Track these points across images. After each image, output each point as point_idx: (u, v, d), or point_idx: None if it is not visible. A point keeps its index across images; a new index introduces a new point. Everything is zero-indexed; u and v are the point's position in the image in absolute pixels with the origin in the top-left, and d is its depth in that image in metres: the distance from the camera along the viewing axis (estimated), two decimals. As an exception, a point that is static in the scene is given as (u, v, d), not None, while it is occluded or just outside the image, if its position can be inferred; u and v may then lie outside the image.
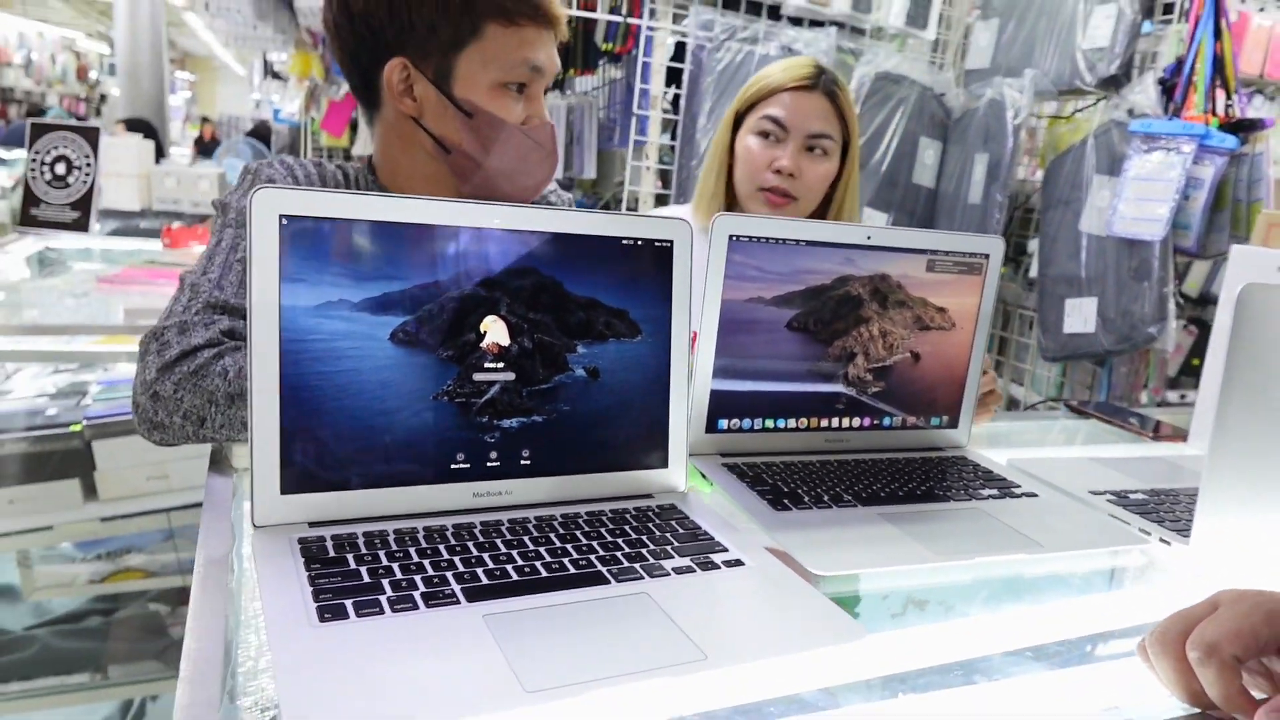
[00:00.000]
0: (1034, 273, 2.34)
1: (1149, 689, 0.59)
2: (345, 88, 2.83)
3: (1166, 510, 0.92)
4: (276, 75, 3.68)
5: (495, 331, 0.72)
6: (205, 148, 7.22)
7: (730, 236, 0.89)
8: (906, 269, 0.98)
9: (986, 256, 1.02)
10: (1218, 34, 1.97)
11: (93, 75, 13.32)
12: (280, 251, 0.64)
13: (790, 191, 1.40)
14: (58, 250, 2.28)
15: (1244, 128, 1.93)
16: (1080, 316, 2.13)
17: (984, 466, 1.00)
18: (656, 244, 0.79)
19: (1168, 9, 2.17)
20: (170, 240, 2.33)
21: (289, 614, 0.53)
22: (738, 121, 1.45)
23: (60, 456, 1.45)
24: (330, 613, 0.54)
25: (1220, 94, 2.00)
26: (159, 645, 1.53)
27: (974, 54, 2.62)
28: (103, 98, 12.92)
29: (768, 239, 0.90)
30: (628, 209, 2.39)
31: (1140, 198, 1.94)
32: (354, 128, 3.22)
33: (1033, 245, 2.38)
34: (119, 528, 1.50)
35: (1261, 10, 2.90)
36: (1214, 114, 1.97)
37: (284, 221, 0.64)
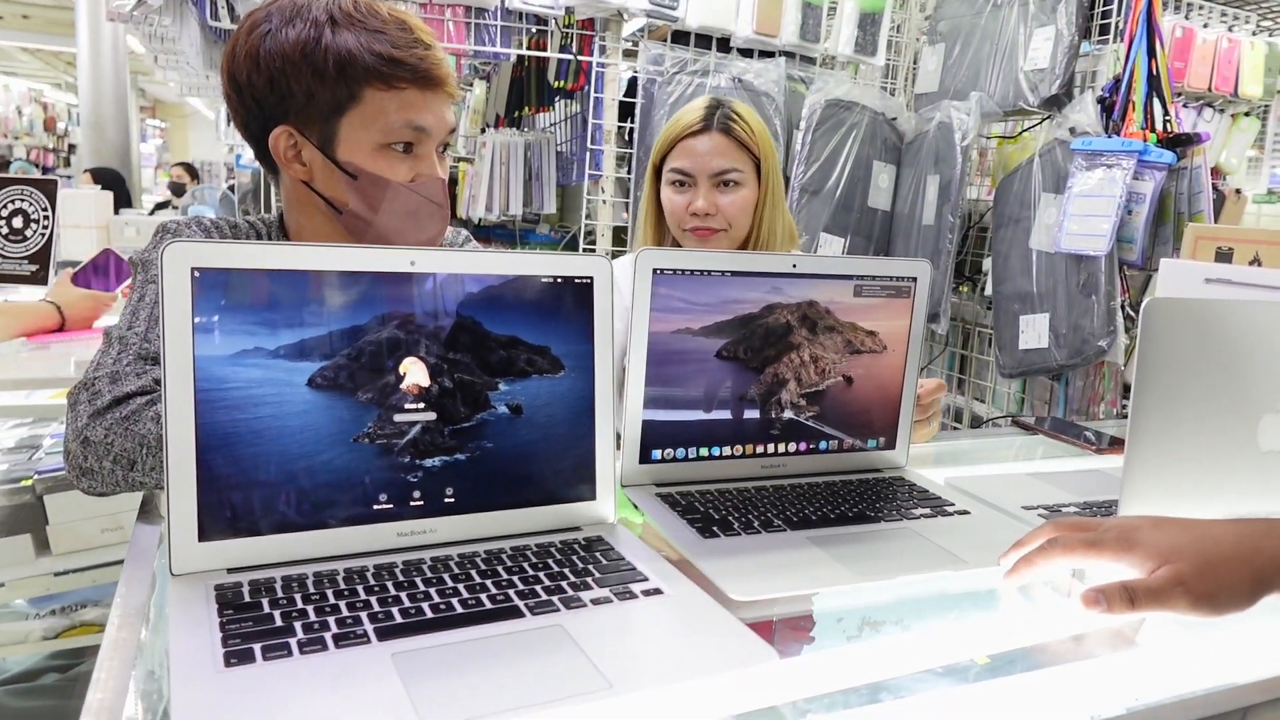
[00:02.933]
0: (989, 290, 2.38)
1: (1049, 701, 0.60)
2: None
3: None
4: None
5: (415, 373, 0.73)
6: (178, 189, 7.21)
7: (654, 270, 0.90)
8: (834, 295, 1.00)
9: (914, 280, 1.04)
10: (1152, 52, 2.03)
11: (61, 126, 13.32)
12: (193, 303, 0.65)
13: (711, 227, 1.46)
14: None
15: (1181, 142, 1.98)
16: (1034, 332, 2.16)
17: (920, 486, 1.01)
18: (576, 281, 0.80)
19: (1104, 29, 2.23)
20: (127, 293, 2.33)
21: (195, 660, 0.54)
22: (658, 173, 1.53)
23: (11, 511, 1.44)
24: (237, 657, 0.54)
25: (1158, 110, 2.05)
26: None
27: (923, 78, 2.68)
28: (71, 148, 12.90)
29: (692, 271, 0.92)
30: (585, 243, 2.42)
31: (1084, 214, 1.98)
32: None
33: (988, 264, 2.42)
34: (73, 582, 1.49)
35: (1206, 26, 2.98)
36: (1152, 130, 2.02)
37: (196, 274, 0.65)
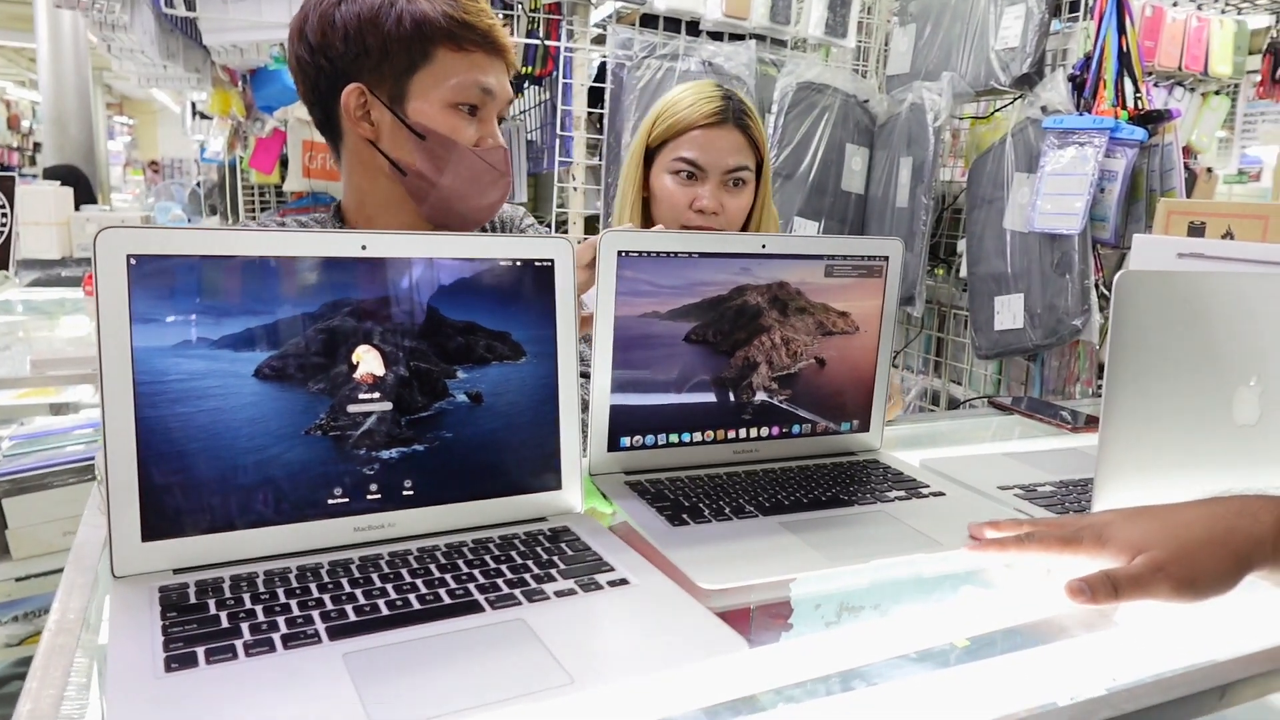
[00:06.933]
0: (964, 272, 2.37)
1: (1028, 683, 0.59)
2: (270, 124, 2.80)
3: (1072, 500, 0.93)
4: (204, 115, 3.64)
5: (369, 362, 0.71)
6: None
7: (619, 252, 0.88)
8: (805, 275, 0.98)
9: (885, 259, 1.03)
10: (1122, 29, 2.02)
11: (25, 124, 13.07)
12: (129, 292, 0.62)
13: (714, 227, 1.39)
14: (-24, 303, 2.22)
15: (1152, 119, 1.97)
16: (1009, 313, 2.16)
17: (894, 469, 1.00)
18: (537, 264, 0.78)
19: (1074, 7, 2.22)
20: (92, 289, 2.28)
21: (133, 665, 0.51)
22: (649, 155, 1.43)
23: (-33, 516, 1.40)
24: (178, 661, 0.52)
25: (1129, 87, 2.05)
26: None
27: (894, 59, 2.66)
28: (37, 146, 12.67)
29: (659, 253, 0.90)
30: (558, 231, 2.39)
31: (1057, 192, 1.98)
32: (284, 164, 3.19)
33: (962, 245, 2.41)
34: (35, 587, 1.44)
35: (1175, 5, 2.99)
36: (1123, 107, 2.01)
37: (132, 262, 0.62)
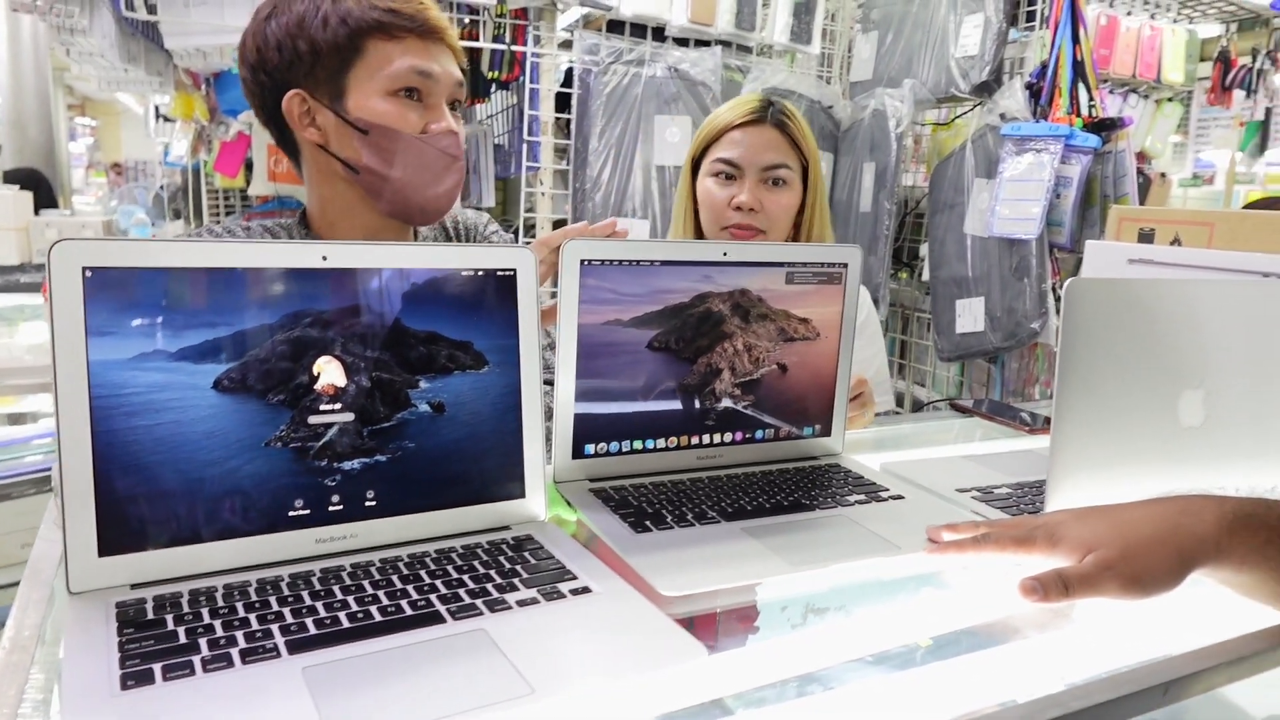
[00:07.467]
0: (926, 276, 2.41)
1: (982, 684, 0.60)
2: (235, 128, 2.77)
3: (1028, 502, 0.95)
4: (167, 118, 3.59)
5: (330, 372, 0.71)
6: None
7: (582, 261, 0.89)
8: (766, 283, 0.99)
9: (845, 265, 1.04)
10: (1076, 38, 2.06)
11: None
12: (85, 305, 0.62)
13: (755, 225, 1.39)
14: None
15: (1106, 127, 2.02)
16: (970, 316, 2.19)
17: (855, 472, 1.01)
18: (499, 273, 0.78)
19: (1030, 16, 2.26)
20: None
21: (88, 683, 0.51)
22: (695, 166, 1.45)
23: (-80, 529, 1.38)
24: (134, 679, 0.51)
25: (1083, 95, 2.09)
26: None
27: (857, 66, 2.70)
28: (-3, 148, 12.39)
29: (621, 261, 0.91)
30: (526, 236, 2.39)
31: (1015, 198, 2.01)
32: (249, 168, 3.15)
33: (925, 249, 2.45)
34: (-9, 600, 1.42)
35: (1129, 14, 3.05)
36: (1078, 115, 2.05)
37: (88, 274, 0.62)
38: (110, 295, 0.63)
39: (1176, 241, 1.14)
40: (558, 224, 2.42)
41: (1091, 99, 2.07)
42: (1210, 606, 0.70)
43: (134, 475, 0.63)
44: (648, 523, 0.82)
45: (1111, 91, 3.05)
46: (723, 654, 0.62)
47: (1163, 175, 2.97)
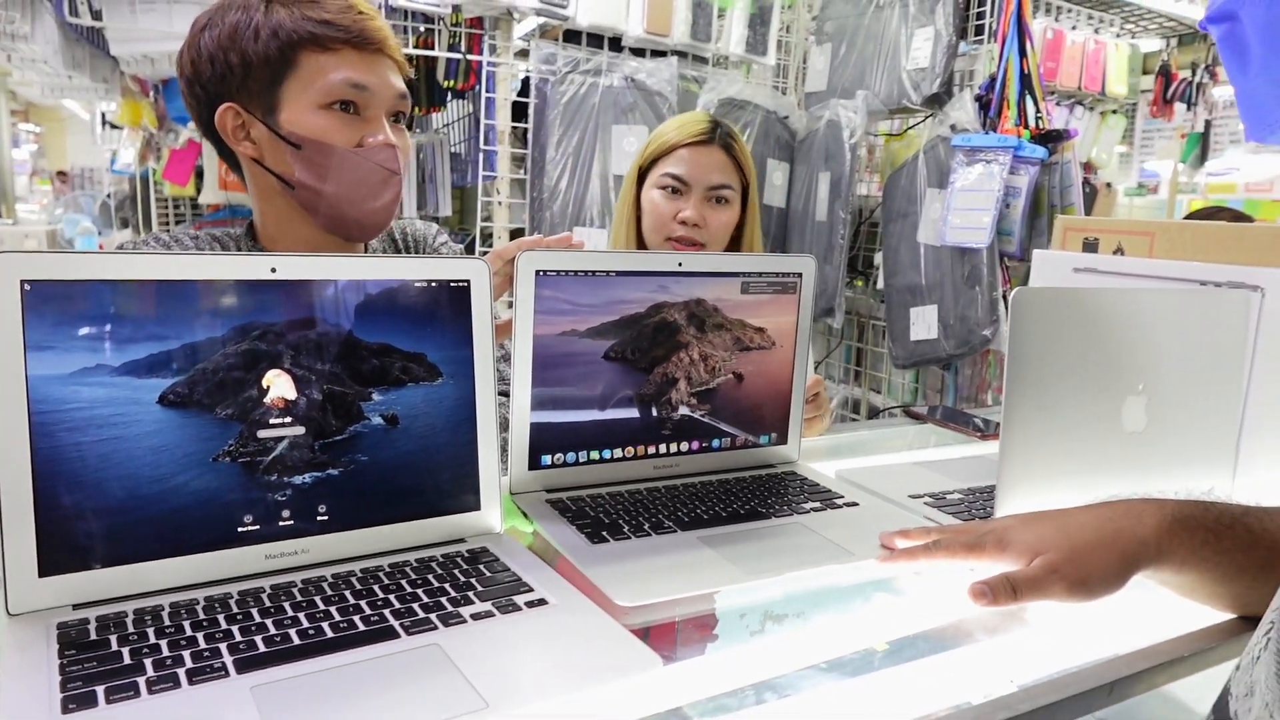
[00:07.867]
0: (881, 284, 2.44)
1: (937, 688, 0.61)
2: (185, 135, 2.72)
3: (979, 507, 0.96)
4: (114, 125, 3.51)
5: (279, 386, 0.70)
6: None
7: (537, 272, 0.88)
8: (721, 292, 1.00)
9: (799, 275, 1.05)
10: (1023, 52, 2.11)
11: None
12: (23, 319, 0.60)
13: (696, 239, 1.46)
14: None
15: (1052, 138, 2.07)
16: (924, 324, 2.23)
17: (811, 480, 1.02)
18: (452, 284, 0.78)
19: (979, 30, 2.31)
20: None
21: (27, 708, 0.49)
22: (641, 176, 1.51)
23: None
24: (75, 702, 0.50)
25: (1030, 107, 2.14)
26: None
27: (812, 77, 2.73)
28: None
29: (576, 271, 0.91)
30: (483, 246, 2.38)
31: (966, 207, 2.05)
32: (199, 176, 3.10)
33: (879, 258, 2.48)
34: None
35: (1074, 28, 3.13)
36: (1026, 126, 2.10)
37: (26, 287, 0.60)
38: (50, 308, 0.61)
39: (1119, 251, 1.18)
40: (515, 233, 2.41)
41: (1039, 111, 2.12)
42: (1152, 608, 0.71)
43: (76, 493, 0.61)
44: (604, 533, 0.82)
45: (1058, 104, 3.13)
46: (680, 663, 0.62)
47: (1108, 185, 3.05)
